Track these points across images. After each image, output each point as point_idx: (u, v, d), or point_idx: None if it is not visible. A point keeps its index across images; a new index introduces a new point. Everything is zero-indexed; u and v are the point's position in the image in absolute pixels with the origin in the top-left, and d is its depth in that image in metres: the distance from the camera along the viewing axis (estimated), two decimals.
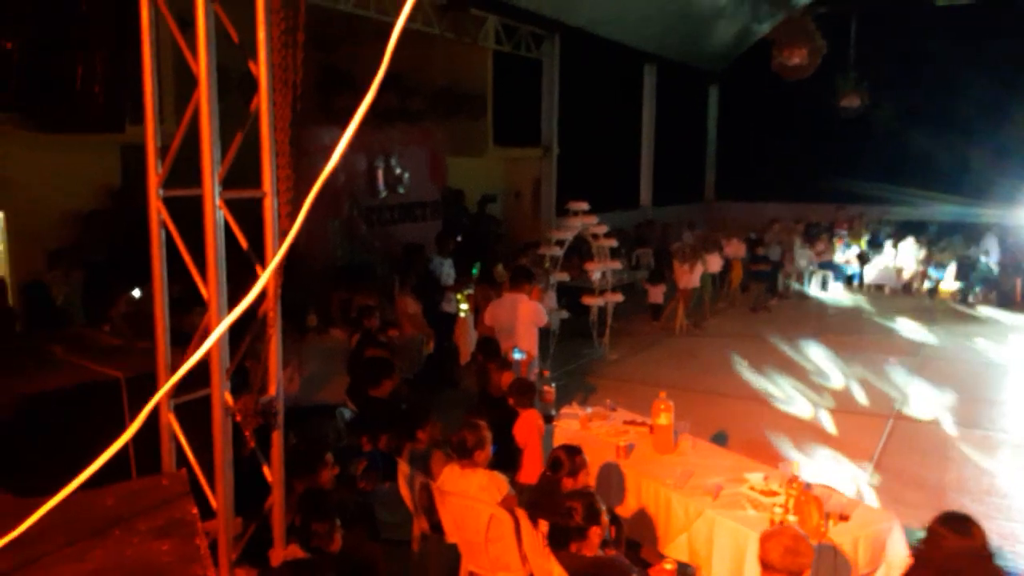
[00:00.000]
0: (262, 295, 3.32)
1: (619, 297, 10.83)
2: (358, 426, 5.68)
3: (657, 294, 12.40)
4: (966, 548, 3.31)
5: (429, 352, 8.47)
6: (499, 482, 4.42)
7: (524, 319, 7.20)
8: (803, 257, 15.48)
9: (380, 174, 10.70)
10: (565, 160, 15.62)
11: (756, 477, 4.72)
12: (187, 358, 1.75)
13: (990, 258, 14.94)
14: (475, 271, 10.39)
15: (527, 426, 5.30)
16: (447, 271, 9.80)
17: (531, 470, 5.17)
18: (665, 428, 5.28)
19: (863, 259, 16.01)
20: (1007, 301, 14.05)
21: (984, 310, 13.86)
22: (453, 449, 4.55)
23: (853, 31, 15.24)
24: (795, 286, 15.37)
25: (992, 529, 5.15)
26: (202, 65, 3.17)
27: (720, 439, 7.12)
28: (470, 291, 9.23)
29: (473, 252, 11.57)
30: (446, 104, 13.78)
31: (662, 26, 15.76)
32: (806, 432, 7.66)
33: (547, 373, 6.74)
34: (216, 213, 3.28)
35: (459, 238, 11.63)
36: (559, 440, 5.50)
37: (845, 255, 16.02)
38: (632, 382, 9.25)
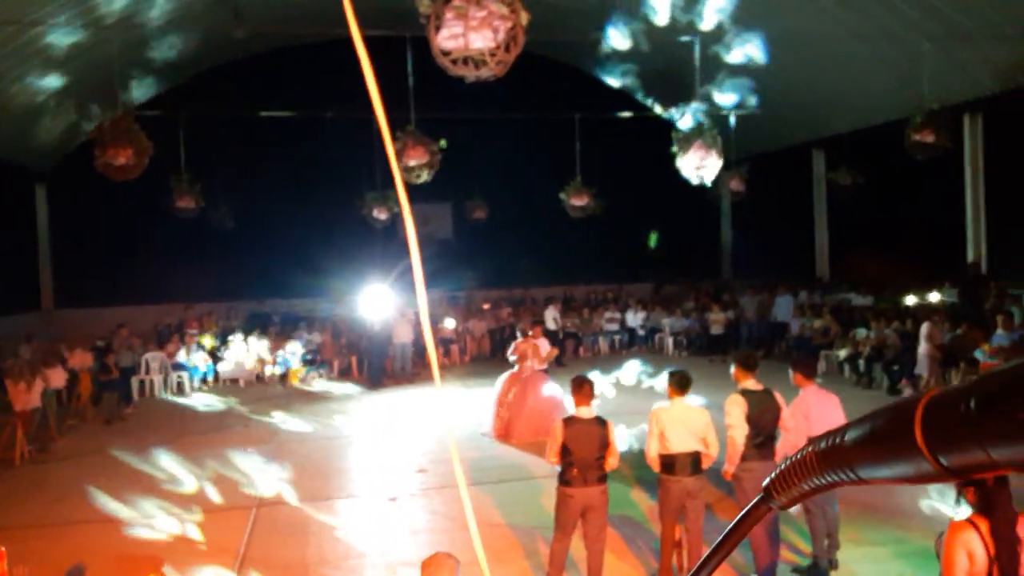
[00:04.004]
0: None
1: None
2: None
3: None
4: None
5: None
6: None
7: None
8: (155, 360, 15.20)
9: None
10: None
11: None
12: None
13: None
14: None
15: None
16: None
17: None
18: None
19: (215, 355, 16.42)
20: (346, 374, 16.74)
21: (326, 385, 15.73)
22: None
23: (182, 135, 15.58)
24: (154, 390, 14.97)
25: None
26: None
27: (76, 574, 6.46)
28: None
29: None
30: None
31: None
32: (171, 545, 7.41)
33: None
34: None
35: None
36: None
37: (198, 354, 16.16)
38: None
